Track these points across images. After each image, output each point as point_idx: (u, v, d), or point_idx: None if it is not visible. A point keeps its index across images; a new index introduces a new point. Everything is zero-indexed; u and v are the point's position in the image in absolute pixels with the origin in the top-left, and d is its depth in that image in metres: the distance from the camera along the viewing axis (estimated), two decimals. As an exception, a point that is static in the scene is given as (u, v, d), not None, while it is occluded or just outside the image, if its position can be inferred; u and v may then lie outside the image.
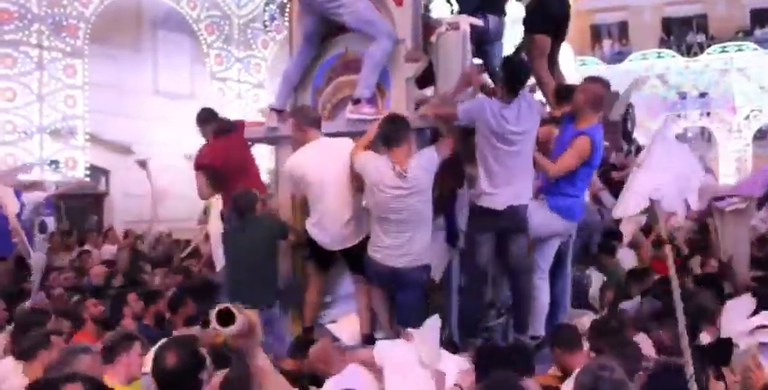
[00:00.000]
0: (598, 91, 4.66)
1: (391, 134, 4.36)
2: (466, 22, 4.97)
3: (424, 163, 4.36)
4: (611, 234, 7.19)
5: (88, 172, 12.61)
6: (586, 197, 5.32)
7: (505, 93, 4.51)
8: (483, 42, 5.31)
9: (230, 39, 14.98)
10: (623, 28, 30.28)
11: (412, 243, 4.33)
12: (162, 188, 8.47)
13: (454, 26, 4.93)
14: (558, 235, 4.79)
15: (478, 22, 5.06)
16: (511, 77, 4.53)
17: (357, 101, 4.76)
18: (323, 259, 4.79)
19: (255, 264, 4.88)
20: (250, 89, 15.07)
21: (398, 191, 4.27)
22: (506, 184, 4.47)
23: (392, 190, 4.28)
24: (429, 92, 5.32)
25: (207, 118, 5.64)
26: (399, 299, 4.45)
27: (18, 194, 7.82)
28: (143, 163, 8.50)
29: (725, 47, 26.89)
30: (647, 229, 7.30)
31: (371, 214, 4.49)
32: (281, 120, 5.19)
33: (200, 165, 5.45)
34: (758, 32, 28.10)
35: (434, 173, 4.39)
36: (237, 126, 5.57)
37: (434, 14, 5.95)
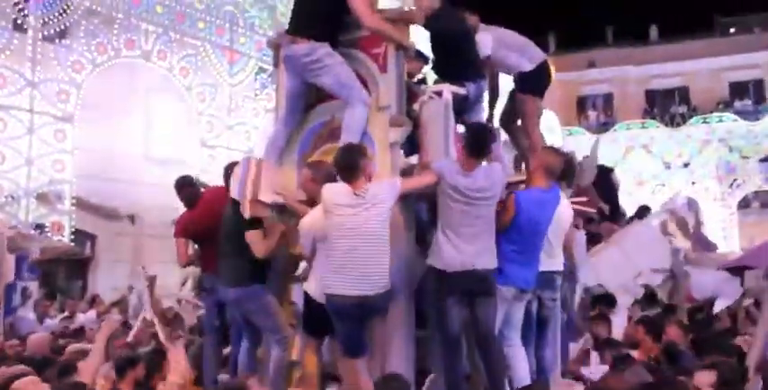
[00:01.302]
0: (551, 159, 4.79)
1: (349, 164, 4.38)
2: (448, 90, 5.05)
3: (385, 185, 4.42)
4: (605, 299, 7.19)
5: (74, 237, 12.53)
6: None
7: (467, 159, 4.55)
8: (463, 110, 5.36)
9: (221, 106, 15.20)
10: (608, 99, 31.00)
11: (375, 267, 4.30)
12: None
13: (437, 94, 5.02)
14: (508, 301, 4.63)
15: (461, 90, 5.14)
16: (474, 144, 4.58)
17: None
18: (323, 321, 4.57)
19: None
20: (240, 157, 15.22)
21: (355, 209, 4.27)
22: (467, 245, 4.43)
23: (348, 209, 4.28)
24: (414, 159, 5.38)
25: (181, 185, 5.75)
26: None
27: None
28: (132, 218, 8.42)
29: (706, 118, 27.52)
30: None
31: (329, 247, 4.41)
32: None
33: (176, 233, 5.59)
34: (738, 104, 28.84)
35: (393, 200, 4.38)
36: (211, 194, 5.59)
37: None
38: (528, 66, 5.53)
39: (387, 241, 4.34)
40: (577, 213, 5.81)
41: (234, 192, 4.95)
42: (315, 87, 5.08)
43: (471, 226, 4.47)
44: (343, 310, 4.32)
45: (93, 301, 11.06)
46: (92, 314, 9.91)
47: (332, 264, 4.33)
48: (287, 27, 5.24)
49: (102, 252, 14.21)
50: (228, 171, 5.25)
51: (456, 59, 5.31)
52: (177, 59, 14.05)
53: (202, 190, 5.96)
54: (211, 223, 5.28)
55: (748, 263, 8.92)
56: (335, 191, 4.38)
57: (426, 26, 5.25)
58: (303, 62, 4.88)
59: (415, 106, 5.06)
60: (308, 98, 5.21)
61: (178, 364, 3.25)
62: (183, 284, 8.16)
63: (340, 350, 4.53)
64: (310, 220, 4.59)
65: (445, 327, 4.50)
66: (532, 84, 5.61)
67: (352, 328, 4.39)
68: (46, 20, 11.88)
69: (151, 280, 7.08)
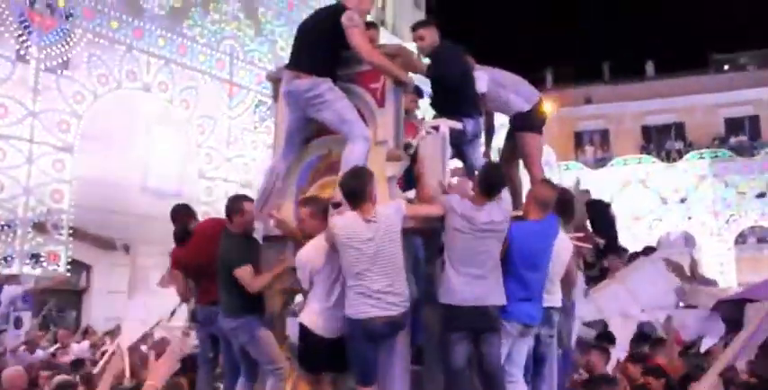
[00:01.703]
0: (544, 192, 4.87)
1: (357, 188, 4.43)
2: (446, 124, 5.12)
3: (392, 207, 4.48)
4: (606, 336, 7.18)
5: (69, 267, 12.49)
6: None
7: (479, 196, 4.62)
8: (461, 145, 5.47)
9: (220, 138, 15.28)
10: (605, 135, 31.23)
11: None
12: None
13: (435, 129, 5.08)
14: (513, 337, 4.63)
15: (458, 124, 5.21)
16: (487, 183, 4.66)
17: (337, 205, 4.73)
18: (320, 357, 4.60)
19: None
20: (238, 189, 15.25)
21: (372, 235, 4.33)
22: (475, 284, 4.45)
23: (365, 235, 4.33)
24: (411, 194, 5.40)
25: (174, 217, 5.76)
26: None
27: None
28: (127, 248, 8.42)
29: (702, 153, 27.71)
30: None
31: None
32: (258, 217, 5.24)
33: (171, 266, 5.65)
34: (733, 140, 29.06)
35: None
36: (204, 226, 5.59)
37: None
38: (525, 107, 5.64)
39: (402, 261, 4.42)
40: (575, 249, 5.82)
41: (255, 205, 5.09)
42: (314, 122, 5.10)
43: (482, 261, 4.50)
44: (377, 332, 4.33)
45: (86, 332, 11.01)
46: (85, 344, 9.84)
47: (357, 290, 4.34)
48: (287, 61, 5.27)
49: (98, 282, 14.15)
50: (230, 204, 5.28)
51: (455, 96, 5.39)
52: (178, 91, 14.17)
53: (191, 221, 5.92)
54: (204, 256, 5.29)
55: (750, 297, 8.90)
56: (348, 224, 4.40)
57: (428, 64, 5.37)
58: (305, 97, 4.89)
59: (413, 141, 5.09)
60: (307, 132, 5.24)
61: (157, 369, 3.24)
62: (172, 314, 8.12)
63: (357, 378, 4.46)
64: (308, 253, 4.60)
65: (450, 362, 4.50)
66: (531, 121, 5.69)
67: (372, 353, 4.40)
68: (48, 51, 12.01)
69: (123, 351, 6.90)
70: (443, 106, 5.39)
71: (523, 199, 5.34)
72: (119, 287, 13.70)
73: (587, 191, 12.29)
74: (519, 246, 4.61)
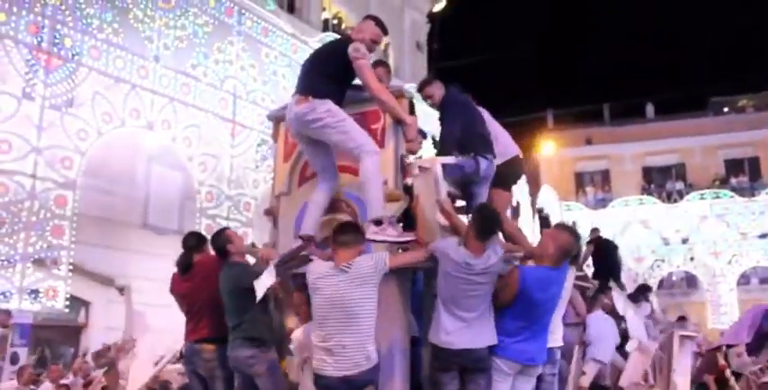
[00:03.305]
0: (568, 239, 4.68)
1: (345, 240, 4.38)
2: (437, 162, 5.08)
3: (372, 260, 4.34)
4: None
5: (68, 303, 12.43)
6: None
7: (474, 240, 4.50)
8: (471, 183, 5.38)
9: (221, 177, 15.35)
10: (606, 175, 31.37)
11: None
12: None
13: (425, 168, 5.05)
14: (511, 376, 4.57)
15: (450, 159, 5.16)
16: (483, 227, 4.54)
17: (378, 223, 4.57)
18: None
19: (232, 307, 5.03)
20: (239, 227, 15.26)
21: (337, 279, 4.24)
22: (465, 326, 4.42)
23: (330, 280, 4.27)
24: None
25: (185, 242, 5.66)
26: None
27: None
28: (122, 290, 8.42)
29: (703, 194, 27.82)
30: None
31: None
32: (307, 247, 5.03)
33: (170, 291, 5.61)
34: (733, 181, 29.21)
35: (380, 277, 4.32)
36: (203, 262, 5.52)
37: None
38: (497, 160, 5.49)
39: (370, 317, 4.25)
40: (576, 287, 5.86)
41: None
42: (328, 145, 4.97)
43: (474, 304, 4.47)
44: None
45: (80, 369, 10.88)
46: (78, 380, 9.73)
47: (317, 340, 4.28)
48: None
49: (96, 318, 14.06)
50: (217, 240, 5.32)
51: (470, 136, 5.35)
52: (181, 129, 14.29)
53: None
54: (203, 290, 5.31)
55: (729, 342, 9.00)
56: (320, 269, 4.37)
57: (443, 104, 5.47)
58: (304, 121, 4.77)
59: (408, 181, 5.08)
60: (330, 156, 5.04)
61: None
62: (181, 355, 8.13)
63: None
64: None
65: None
66: (499, 177, 5.56)
67: None
68: (54, 89, 12.15)
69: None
70: (457, 146, 5.28)
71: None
72: (117, 323, 13.62)
73: (597, 229, 12.36)
74: (529, 293, 4.51)
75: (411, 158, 5.23)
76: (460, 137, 5.27)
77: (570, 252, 4.72)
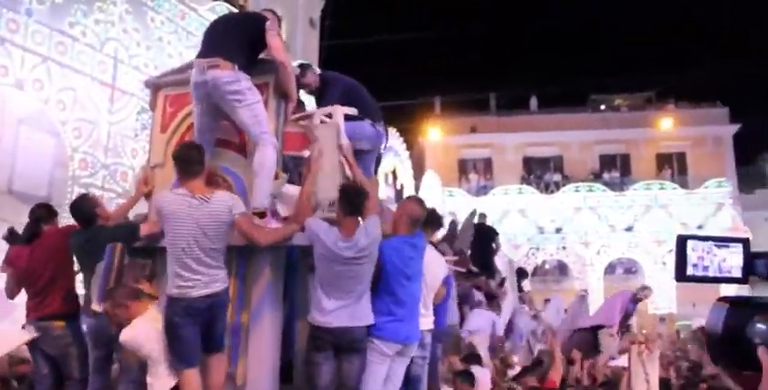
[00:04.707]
0: (415, 209, 4.86)
1: (189, 158, 4.39)
2: (340, 112, 5.03)
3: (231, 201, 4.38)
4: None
5: None
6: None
7: (344, 219, 4.48)
8: (360, 152, 5.33)
9: (97, 144, 14.56)
10: (488, 164, 32.14)
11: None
12: None
13: (328, 116, 5.00)
14: (390, 357, 4.58)
15: (352, 110, 5.13)
16: (348, 204, 4.50)
17: (262, 215, 4.53)
18: None
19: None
20: (114, 197, 14.56)
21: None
22: (342, 306, 4.37)
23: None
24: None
25: (32, 213, 5.39)
26: None
27: None
28: None
29: (578, 187, 29.11)
30: None
31: None
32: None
33: (4, 266, 5.24)
34: (606, 176, 30.72)
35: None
36: (53, 234, 5.20)
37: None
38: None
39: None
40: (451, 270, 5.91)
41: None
42: (223, 119, 4.86)
43: (350, 285, 4.40)
44: (195, 310, 4.15)
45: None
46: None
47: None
48: (199, 52, 4.90)
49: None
50: (82, 204, 5.03)
51: (357, 99, 5.41)
52: (54, 91, 13.41)
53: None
54: (44, 264, 5.02)
55: (601, 323, 9.55)
56: (174, 198, 4.32)
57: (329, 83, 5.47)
58: (224, 89, 4.59)
59: (302, 123, 4.99)
60: (217, 132, 4.92)
61: None
62: None
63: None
64: None
65: (314, 381, 4.40)
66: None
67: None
68: None
69: None
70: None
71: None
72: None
73: (484, 215, 12.66)
74: (390, 259, 4.57)
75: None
76: (346, 103, 5.27)
77: (418, 220, 4.84)
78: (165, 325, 4.17)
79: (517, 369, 8.15)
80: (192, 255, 4.15)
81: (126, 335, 4.24)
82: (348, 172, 4.86)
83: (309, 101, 6.11)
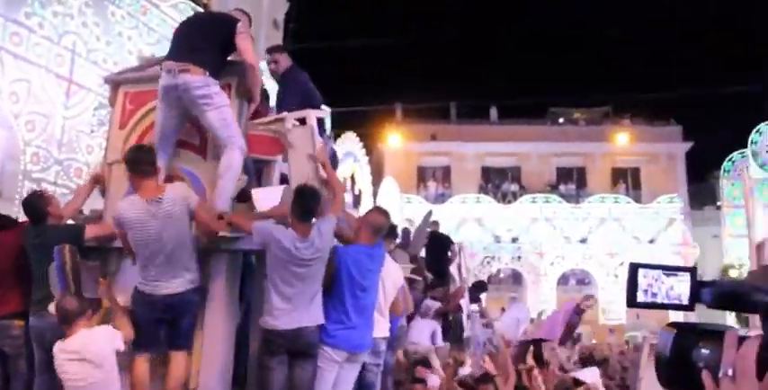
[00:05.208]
0: (378, 218, 4.91)
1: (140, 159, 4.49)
2: (313, 116, 5.05)
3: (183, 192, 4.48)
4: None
5: None
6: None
7: (298, 223, 4.43)
8: None
9: (51, 138, 14.26)
10: (447, 172, 32.33)
11: None
12: None
13: (301, 121, 5.02)
14: (338, 364, 4.57)
15: (323, 113, 5.21)
16: (302, 205, 4.48)
17: (220, 218, 4.49)
18: None
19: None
20: (67, 194, 14.27)
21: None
22: (294, 307, 4.34)
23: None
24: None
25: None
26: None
27: None
28: None
29: (534, 197, 29.50)
30: None
31: None
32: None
33: None
34: (562, 188, 31.20)
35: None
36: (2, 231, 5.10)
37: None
38: None
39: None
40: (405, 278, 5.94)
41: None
42: (188, 122, 4.85)
43: (302, 286, 4.37)
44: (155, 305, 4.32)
45: None
46: None
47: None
48: (169, 54, 4.87)
49: None
50: (35, 201, 4.94)
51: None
52: (7, 83, 13.09)
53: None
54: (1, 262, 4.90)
55: (544, 337, 9.71)
56: (130, 206, 4.39)
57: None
58: (194, 94, 4.58)
59: (274, 127, 5.01)
60: (179, 134, 4.91)
61: None
62: None
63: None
64: None
65: (266, 387, 4.35)
66: None
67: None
68: None
69: None
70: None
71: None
72: None
73: (437, 223, 12.69)
74: (348, 269, 4.56)
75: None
76: (305, 103, 5.34)
77: (381, 229, 4.87)
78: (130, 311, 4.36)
79: (468, 369, 8.16)
80: (154, 262, 4.28)
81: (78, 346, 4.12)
82: (323, 173, 4.91)
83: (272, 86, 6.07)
